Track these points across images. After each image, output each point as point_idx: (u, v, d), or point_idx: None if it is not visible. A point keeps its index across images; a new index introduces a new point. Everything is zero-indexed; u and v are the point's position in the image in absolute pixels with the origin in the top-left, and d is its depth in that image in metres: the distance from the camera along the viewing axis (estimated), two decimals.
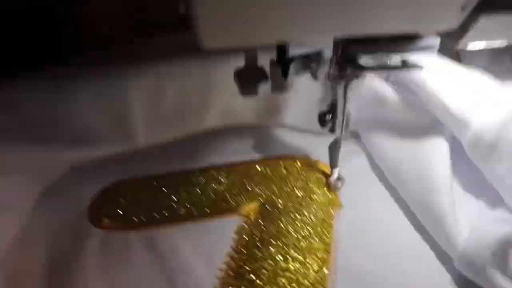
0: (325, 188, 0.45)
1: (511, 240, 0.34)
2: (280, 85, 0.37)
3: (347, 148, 0.48)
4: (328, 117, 0.42)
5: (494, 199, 0.40)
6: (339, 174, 0.45)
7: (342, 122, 0.41)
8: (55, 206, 0.42)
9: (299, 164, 0.48)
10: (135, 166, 0.46)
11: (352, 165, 0.48)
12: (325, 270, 0.37)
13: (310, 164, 0.48)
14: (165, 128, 0.45)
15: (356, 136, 0.52)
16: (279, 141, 0.51)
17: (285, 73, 0.36)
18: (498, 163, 0.38)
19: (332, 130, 0.42)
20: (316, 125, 0.47)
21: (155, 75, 0.43)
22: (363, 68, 0.34)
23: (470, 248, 0.36)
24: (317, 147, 0.49)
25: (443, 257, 0.39)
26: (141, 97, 0.42)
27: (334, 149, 0.44)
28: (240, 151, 0.49)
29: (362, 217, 0.43)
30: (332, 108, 0.41)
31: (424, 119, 0.45)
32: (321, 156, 0.47)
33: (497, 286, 0.34)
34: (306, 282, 0.36)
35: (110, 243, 0.40)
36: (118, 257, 0.39)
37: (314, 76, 0.39)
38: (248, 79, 0.35)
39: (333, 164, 0.44)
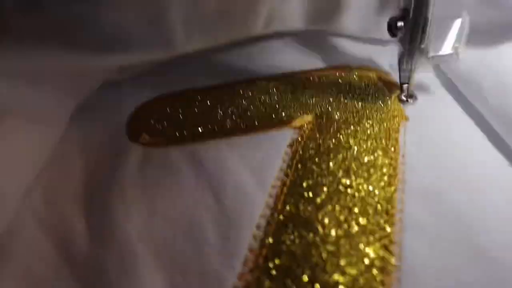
0: (388, 100, 0.39)
1: None
2: None
3: None
4: (400, 24, 0.36)
5: None
6: (411, 91, 0.39)
7: (421, 29, 0.35)
8: (92, 121, 0.39)
9: (358, 74, 0.42)
10: (175, 78, 0.42)
11: (418, 76, 0.42)
12: (393, 188, 0.32)
13: (371, 75, 0.42)
14: (206, 32, 0.39)
15: None
16: (335, 50, 0.45)
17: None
18: None
19: (403, 39, 0.36)
20: (377, 33, 0.41)
21: None
22: None
23: None
24: (377, 57, 0.43)
25: None
26: None
27: (404, 61, 0.38)
28: (290, 61, 0.43)
29: (430, 132, 0.37)
30: (405, 13, 0.35)
31: (504, 18, 0.38)
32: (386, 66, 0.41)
33: None
34: (371, 200, 0.32)
35: (150, 159, 0.36)
36: (160, 174, 0.35)
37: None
38: None
39: (402, 80, 0.39)
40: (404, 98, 0.39)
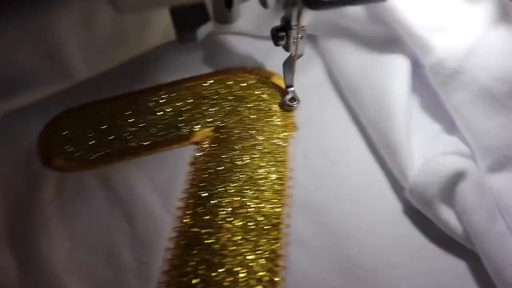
0: (279, 108, 0.44)
1: (459, 176, 0.35)
2: (224, 17, 0.34)
3: (304, 56, 0.45)
4: (281, 34, 0.40)
5: (450, 126, 0.40)
6: (294, 94, 0.43)
7: (297, 40, 0.40)
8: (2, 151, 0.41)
9: (253, 79, 0.46)
10: (79, 97, 0.43)
11: (308, 76, 0.46)
12: (281, 203, 0.38)
13: (265, 77, 0.46)
14: (104, 56, 0.41)
15: (314, 40, 0.49)
16: (231, 51, 0.48)
17: (229, 4, 0.33)
18: (456, 93, 0.37)
19: (286, 48, 0.40)
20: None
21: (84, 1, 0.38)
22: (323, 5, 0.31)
23: (421, 179, 0.37)
24: (273, 55, 0.47)
25: (396, 186, 0.40)
26: (72, 27, 0.38)
27: (288, 67, 0.42)
28: (189, 66, 0.46)
29: (316, 140, 0.43)
30: (286, 25, 0.39)
31: (387, 34, 0.43)
32: (278, 65, 0.44)
33: (442, 218, 0.36)
34: (260, 217, 0.37)
35: (65, 185, 0.39)
36: (76, 200, 0.39)
37: (264, 4, 0.36)
38: (186, 23, 0.31)
39: (287, 83, 0.43)
40: (288, 102, 0.43)
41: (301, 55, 0.42)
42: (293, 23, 0.39)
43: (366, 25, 0.43)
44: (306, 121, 0.43)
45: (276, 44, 0.41)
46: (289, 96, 0.44)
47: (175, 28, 0.31)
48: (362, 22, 0.42)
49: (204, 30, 0.31)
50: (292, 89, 0.44)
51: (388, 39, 0.42)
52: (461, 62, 0.37)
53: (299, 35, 0.40)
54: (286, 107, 0.44)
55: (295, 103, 0.44)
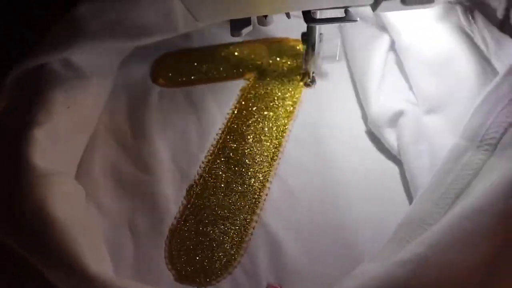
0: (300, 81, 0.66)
1: (401, 113, 0.55)
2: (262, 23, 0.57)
3: (330, 31, 0.67)
4: (305, 37, 0.61)
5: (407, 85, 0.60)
6: (312, 76, 0.65)
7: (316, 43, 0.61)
8: (129, 72, 0.67)
9: (290, 44, 0.69)
10: (178, 44, 0.69)
11: (328, 46, 0.68)
12: (287, 120, 0.61)
13: (298, 46, 0.69)
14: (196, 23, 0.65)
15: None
16: (279, 24, 0.70)
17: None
18: (409, 60, 0.58)
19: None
20: None
21: None
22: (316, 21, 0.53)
23: (377, 112, 0.57)
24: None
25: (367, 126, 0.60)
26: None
27: (307, 58, 0.63)
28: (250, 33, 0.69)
29: (324, 93, 0.65)
30: (309, 31, 0.60)
31: (380, 22, 0.63)
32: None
33: (385, 137, 0.56)
34: (276, 122, 0.61)
35: (164, 95, 0.65)
36: (170, 104, 0.64)
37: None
38: (237, 25, 0.55)
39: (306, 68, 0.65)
40: (309, 83, 0.65)
41: (318, 53, 0.62)
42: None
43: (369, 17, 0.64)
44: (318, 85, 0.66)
45: (303, 43, 0.61)
46: (308, 80, 0.65)
47: (230, 26, 0.55)
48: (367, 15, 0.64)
49: (246, 30, 0.54)
50: (311, 73, 0.65)
51: (380, 25, 0.64)
52: (413, 41, 0.57)
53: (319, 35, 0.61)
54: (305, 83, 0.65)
55: (313, 84, 0.65)
